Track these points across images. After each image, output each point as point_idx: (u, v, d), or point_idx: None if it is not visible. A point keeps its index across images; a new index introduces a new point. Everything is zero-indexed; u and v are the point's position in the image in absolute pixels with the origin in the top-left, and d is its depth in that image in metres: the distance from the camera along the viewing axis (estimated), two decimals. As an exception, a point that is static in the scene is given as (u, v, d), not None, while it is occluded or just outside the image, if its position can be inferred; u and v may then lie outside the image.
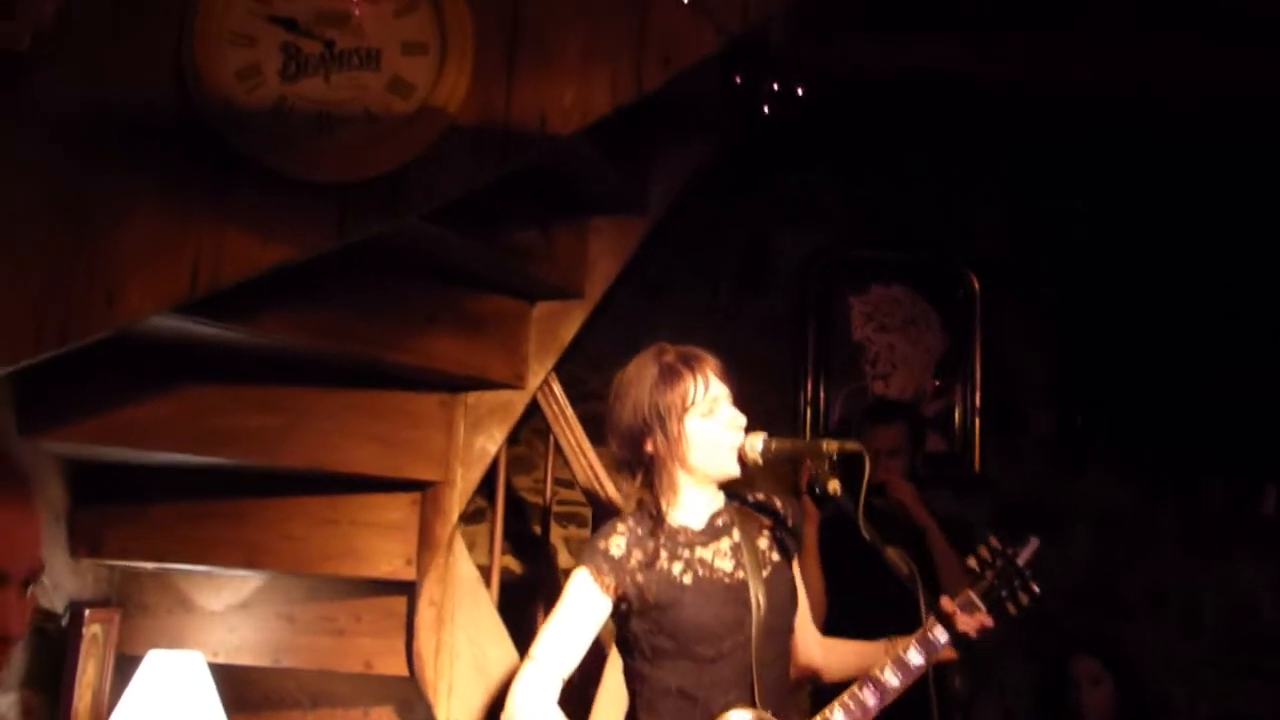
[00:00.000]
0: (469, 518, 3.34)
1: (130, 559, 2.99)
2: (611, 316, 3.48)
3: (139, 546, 2.94)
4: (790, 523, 2.32)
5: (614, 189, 3.02)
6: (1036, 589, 2.33)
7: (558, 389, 3.10)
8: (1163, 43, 3.21)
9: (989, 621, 2.26)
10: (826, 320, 4.11)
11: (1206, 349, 4.03)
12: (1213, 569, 4.05)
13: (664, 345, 2.27)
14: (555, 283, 3.02)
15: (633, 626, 2.17)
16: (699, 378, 2.19)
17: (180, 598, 3.10)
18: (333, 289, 2.59)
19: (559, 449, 3.15)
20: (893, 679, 2.21)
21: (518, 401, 3.00)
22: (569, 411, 3.10)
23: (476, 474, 2.95)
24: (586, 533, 3.74)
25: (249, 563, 2.95)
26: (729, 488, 2.28)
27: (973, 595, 2.28)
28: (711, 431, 2.19)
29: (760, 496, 2.35)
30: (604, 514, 3.02)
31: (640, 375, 2.22)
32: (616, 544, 2.17)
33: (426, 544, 2.88)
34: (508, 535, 3.53)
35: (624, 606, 2.17)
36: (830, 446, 2.17)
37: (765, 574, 2.19)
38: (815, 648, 2.40)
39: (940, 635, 2.23)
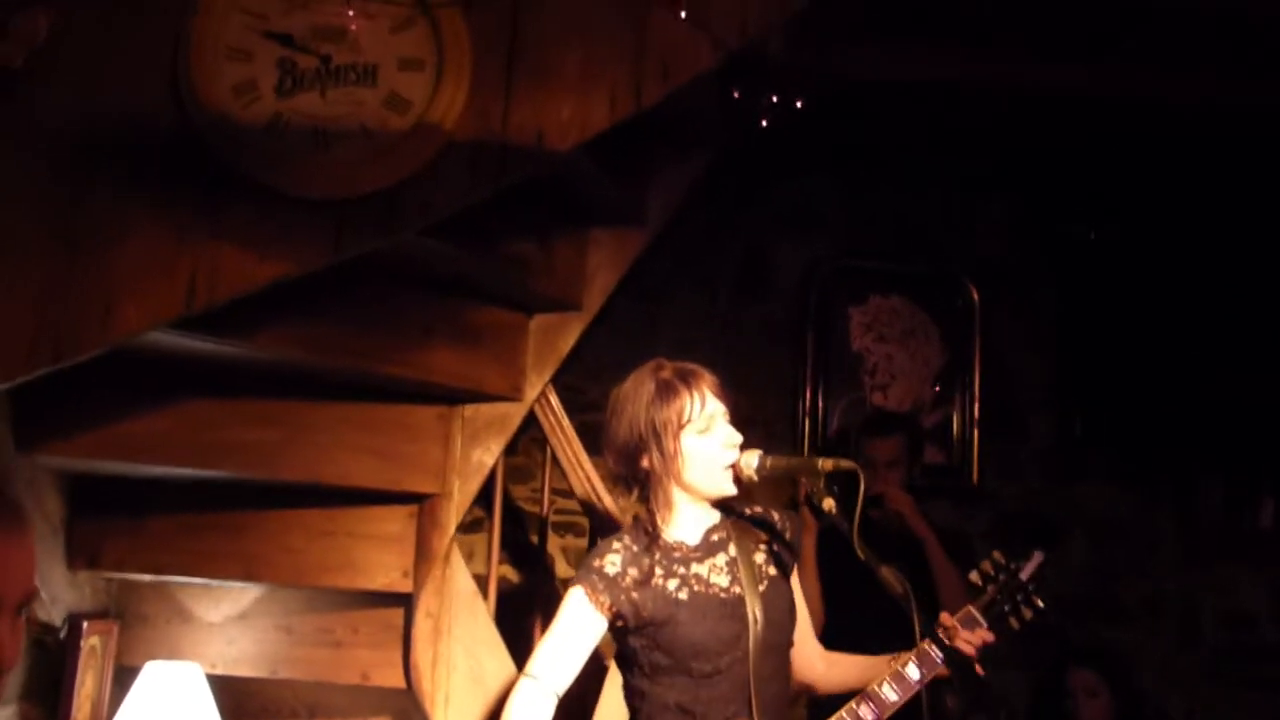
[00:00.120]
0: (466, 527, 3.34)
1: (128, 571, 2.99)
2: (610, 326, 3.48)
3: (137, 559, 2.95)
4: (788, 536, 2.30)
5: (613, 201, 3.02)
6: (1041, 604, 2.32)
7: (555, 401, 3.10)
8: (1162, 43, 3.21)
9: (990, 636, 2.25)
10: (825, 330, 4.10)
11: (1205, 359, 4.03)
12: (1211, 579, 4.05)
13: (661, 361, 2.26)
14: (553, 295, 3.02)
15: (630, 643, 2.17)
16: (695, 394, 2.18)
17: (178, 609, 3.10)
18: (330, 303, 2.59)
19: (556, 460, 3.15)
20: (891, 694, 2.21)
21: (515, 414, 3.00)
22: (566, 423, 3.09)
23: (473, 486, 2.96)
24: (584, 542, 3.74)
25: (247, 575, 2.96)
26: (725, 501, 2.27)
27: (974, 610, 2.28)
28: (707, 449, 2.18)
29: (757, 510, 2.34)
30: (601, 524, 3.02)
31: (637, 391, 2.21)
32: (611, 562, 2.17)
33: (424, 556, 2.89)
34: (505, 544, 3.53)
35: (620, 624, 2.16)
36: (825, 465, 2.15)
37: (762, 589, 2.18)
38: (817, 661, 2.39)
39: (939, 651, 2.22)
